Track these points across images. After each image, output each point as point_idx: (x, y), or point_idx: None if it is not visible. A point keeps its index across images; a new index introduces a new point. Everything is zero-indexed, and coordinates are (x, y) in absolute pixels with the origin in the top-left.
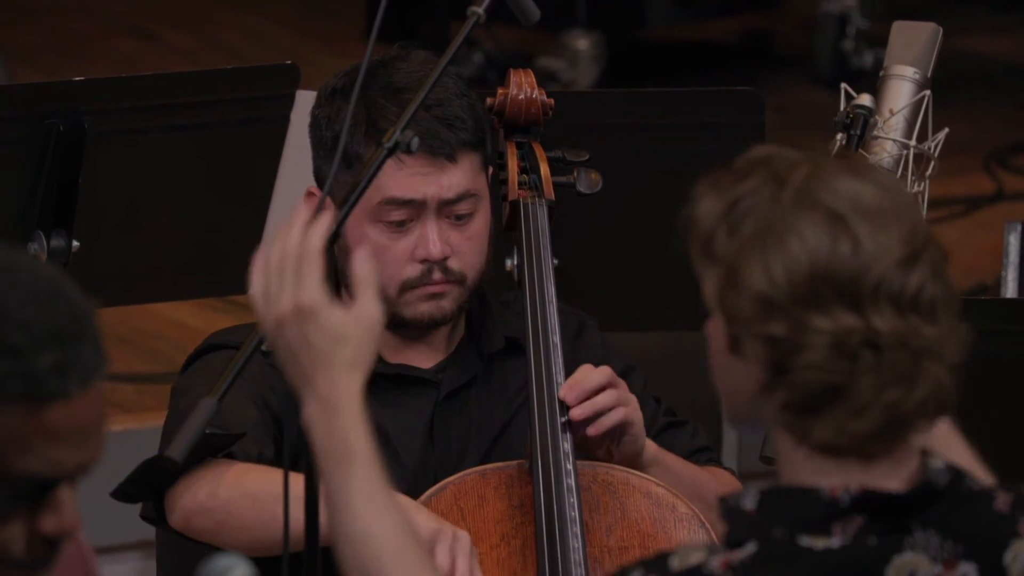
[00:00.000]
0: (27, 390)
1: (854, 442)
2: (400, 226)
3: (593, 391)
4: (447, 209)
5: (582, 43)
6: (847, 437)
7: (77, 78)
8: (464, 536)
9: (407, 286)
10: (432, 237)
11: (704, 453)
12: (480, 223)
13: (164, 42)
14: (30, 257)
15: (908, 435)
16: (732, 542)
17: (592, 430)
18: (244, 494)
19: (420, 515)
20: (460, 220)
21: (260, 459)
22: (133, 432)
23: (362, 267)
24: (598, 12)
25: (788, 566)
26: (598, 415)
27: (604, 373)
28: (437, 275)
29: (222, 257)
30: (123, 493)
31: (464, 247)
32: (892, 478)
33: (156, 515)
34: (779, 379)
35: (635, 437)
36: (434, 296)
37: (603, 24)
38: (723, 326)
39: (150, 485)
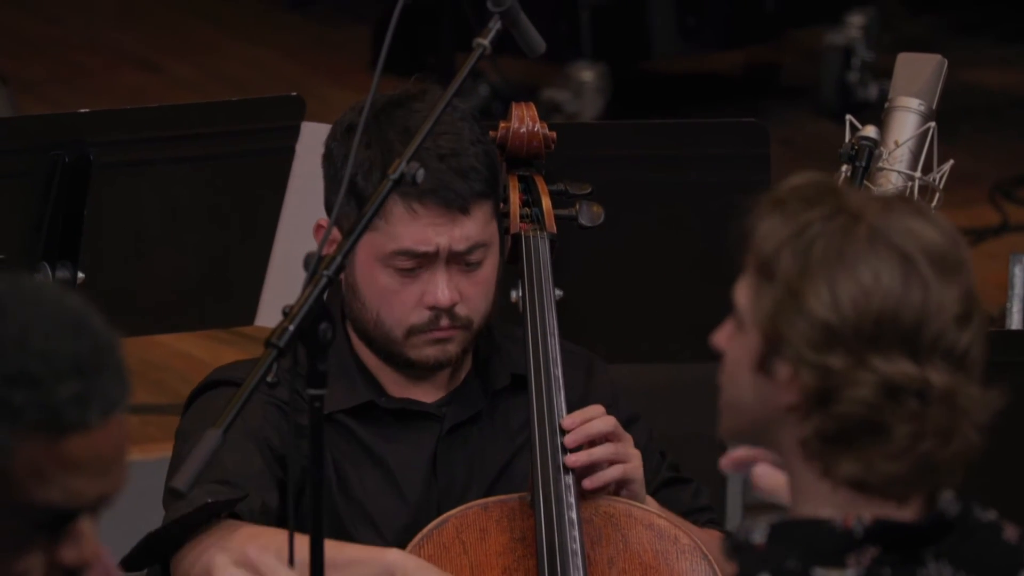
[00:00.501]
0: (46, 420)
1: (882, 482)
2: (410, 272)
3: (593, 437)
4: (457, 258)
5: (587, 75)
6: (877, 476)
7: (83, 110)
8: None
9: (414, 331)
10: (441, 286)
11: (704, 513)
12: (489, 269)
13: (169, 74)
14: (57, 287)
15: (932, 485)
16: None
17: (587, 483)
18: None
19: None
20: (470, 267)
21: (264, 509)
22: (138, 463)
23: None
24: (603, 44)
25: None
26: (594, 466)
27: (608, 423)
28: (444, 321)
29: (228, 288)
30: (129, 564)
31: (471, 293)
32: (903, 508)
33: None
34: (818, 408)
35: (633, 495)
36: (440, 341)
37: (608, 56)
38: (758, 343)
39: (155, 554)
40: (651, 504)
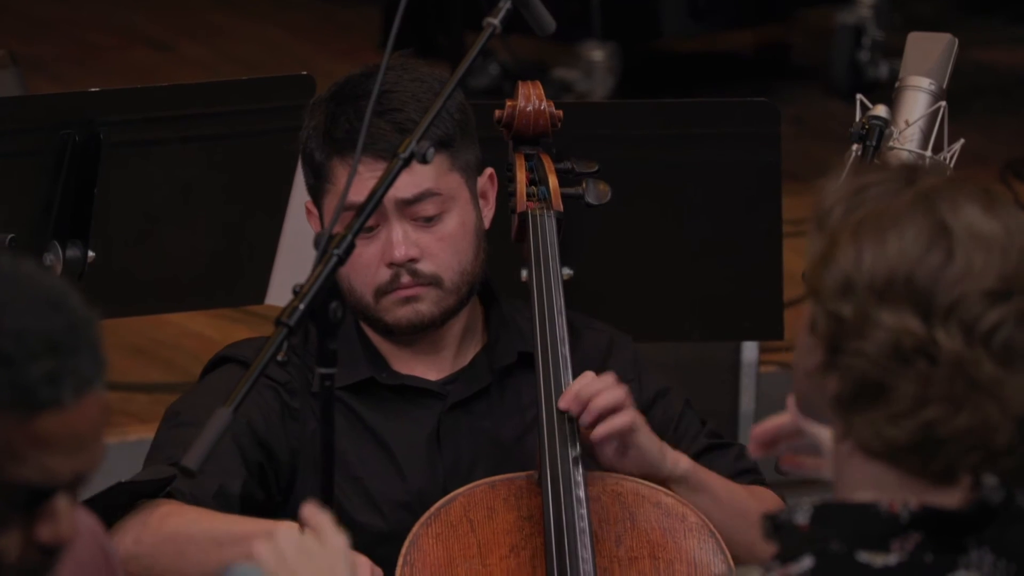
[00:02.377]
0: (18, 399)
1: (886, 448)
2: (368, 232)
3: (590, 396)
4: (410, 211)
5: (597, 54)
6: (881, 442)
7: (93, 89)
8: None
9: (380, 291)
10: (396, 239)
11: (748, 475)
12: (454, 224)
13: (180, 53)
14: (36, 266)
15: (946, 465)
16: (786, 557)
17: (593, 435)
18: (164, 539)
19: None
20: (429, 222)
21: (221, 492)
22: (149, 442)
23: (311, 512)
24: (613, 23)
25: None
26: (601, 418)
27: (604, 379)
28: (406, 278)
29: (238, 268)
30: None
31: (434, 248)
32: (947, 495)
33: None
34: (833, 360)
35: (640, 446)
36: (408, 300)
37: (618, 35)
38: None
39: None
40: (681, 460)
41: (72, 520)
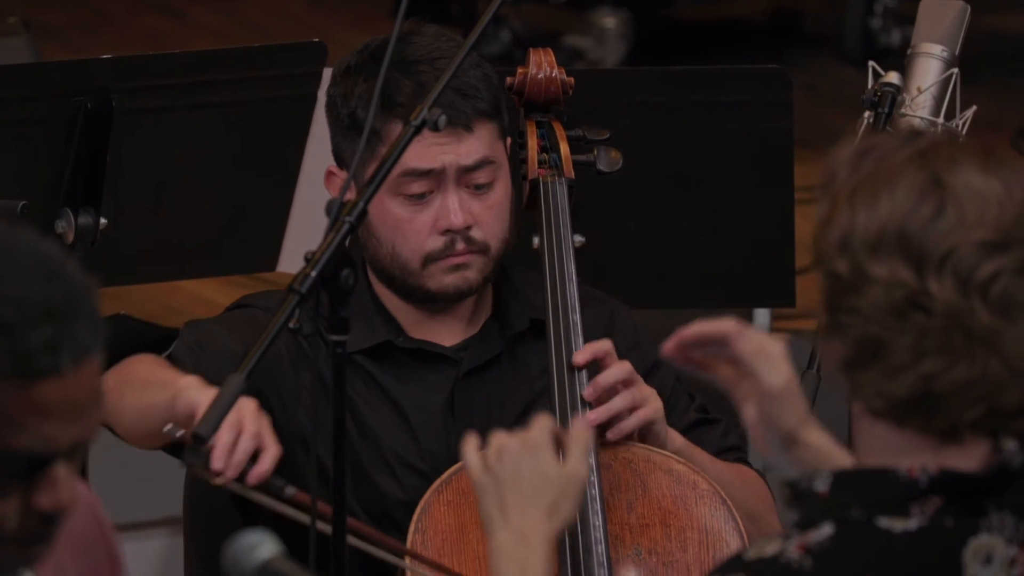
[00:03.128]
0: (17, 366)
1: (888, 406)
2: (420, 198)
3: (609, 388)
4: (466, 178)
5: (609, 21)
6: (882, 399)
7: (105, 56)
8: (249, 402)
9: (430, 258)
10: (453, 207)
11: (734, 452)
12: (500, 192)
13: (192, 20)
14: (33, 234)
15: (949, 421)
16: (806, 524)
17: (611, 435)
18: (120, 380)
19: (207, 391)
20: (480, 190)
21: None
22: None
23: (580, 430)
24: None
25: (867, 548)
26: (615, 418)
27: (623, 369)
28: (460, 245)
29: (250, 235)
30: None
31: (485, 216)
32: (965, 459)
33: None
34: (833, 320)
35: (656, 435)
36: (458, 267)
37: (630, 2)
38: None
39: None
40: (677, 438)
41: (72, 488)
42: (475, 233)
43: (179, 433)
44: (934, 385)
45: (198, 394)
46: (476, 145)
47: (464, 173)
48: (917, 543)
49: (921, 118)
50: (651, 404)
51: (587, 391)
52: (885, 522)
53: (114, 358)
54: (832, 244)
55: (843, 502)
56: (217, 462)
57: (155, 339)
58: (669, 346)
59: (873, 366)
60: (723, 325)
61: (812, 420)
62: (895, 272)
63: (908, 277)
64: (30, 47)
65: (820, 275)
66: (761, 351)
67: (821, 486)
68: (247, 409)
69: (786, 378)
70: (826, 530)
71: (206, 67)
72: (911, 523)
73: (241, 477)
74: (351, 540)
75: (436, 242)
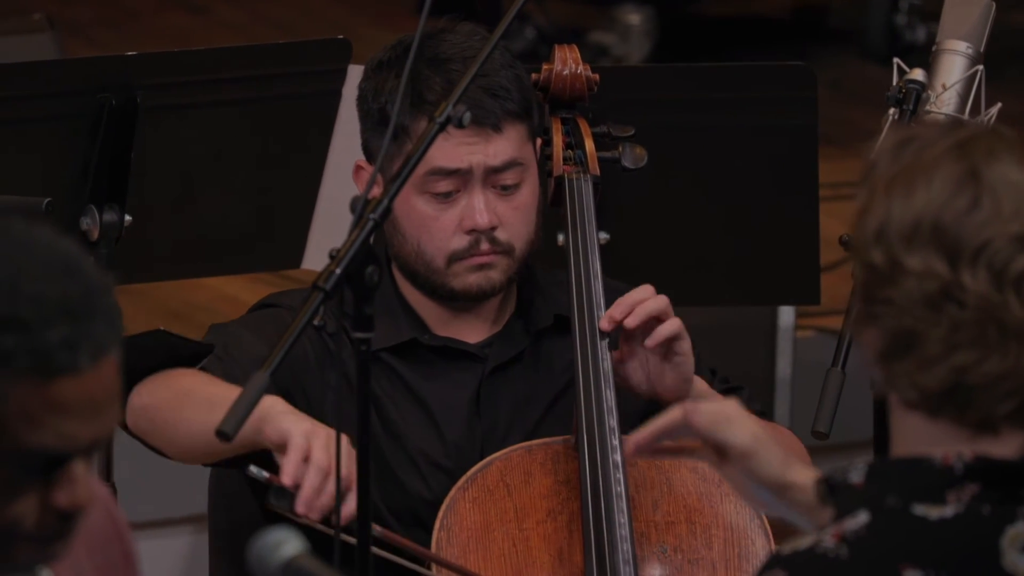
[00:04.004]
0: (36, 364)
1: (921, 397)
2: (446, 197)
3: (639, 301)
4: (493, 179)
5: (634, 18)
6: (915, 391)
7: (129, 53)
8: (342, 437)
9: (455, 257)
10: (479, 207)
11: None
12: (527, 193)
13: (216, 16)
14: (50, 232)
15: (983, 414)
16: (841, 514)
17: (649, 341)
18: (172, 395)
19: (295, 417)
20: (507, 190)
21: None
22: None
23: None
24: None
25: (903, 535)
26: (649, 324)
27: (646, 289)
28: (484, 245)
29: (274, 232)
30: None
31: (511, 218)
32: (1001, 448)
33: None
34: (868, 311)
35: (685, 356)
36: (482, 267)
37: None
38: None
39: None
40: (699, 384)
41: (89, 486)
42: (500, 234)
43: (265, 476)
44: (967, 378)
45: (290, 422)
46: (504, 146)
47: (491, 174)
48: (954, 530)
49: (946, 115)
50: (680, 322)
51: (609, 313)
52: (921, 509)
53: (150, 373)
54: (869, 234)
55: (878, 491)
56: (302, 507)
57: (193, 353)
58: (630, 452)
59: (906, 357)
60: (671, 414)
61: (793, 460)
62: (929, 264)
63: (942, 269)
64: (55, 44)
65: (856, 265)
66: (717, 419)
67: (856, 477)
68: (333, 448)
69: (751, 433)
70: (862, 518)
71: (231, 64)
72: (947, 510)
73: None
74: (375, 551)
75: (461, 241)
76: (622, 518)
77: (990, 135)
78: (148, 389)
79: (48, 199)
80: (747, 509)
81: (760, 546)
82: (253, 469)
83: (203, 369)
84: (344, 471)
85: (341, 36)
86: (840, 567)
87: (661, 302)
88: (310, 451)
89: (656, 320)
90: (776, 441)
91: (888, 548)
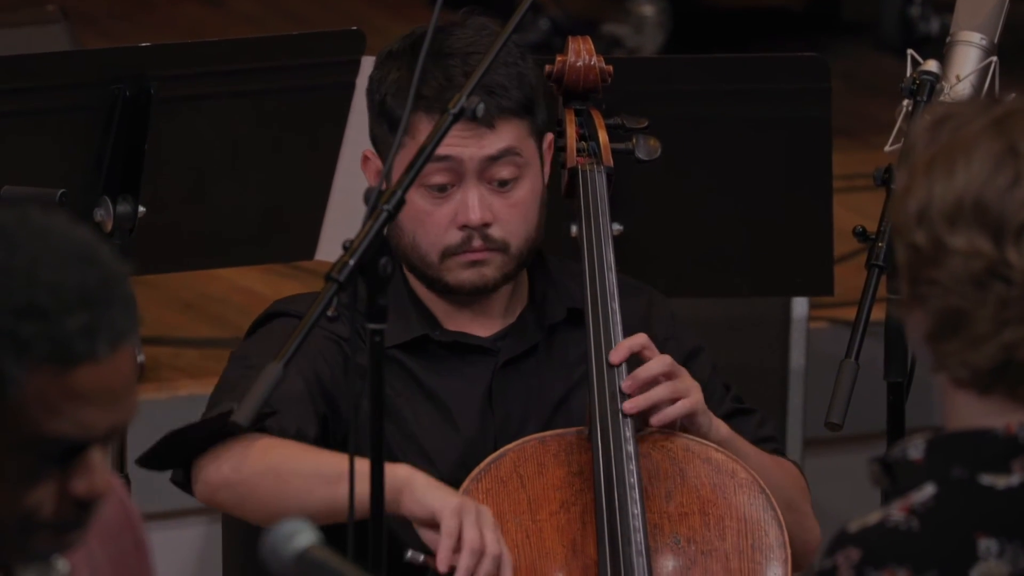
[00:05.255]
0: (55, 352)
1: (972, 376)
2: (441, 191)
3: (650, 381)
4: (488, 173)
5: (648, 9)
6: (966, 369)
7: (143, 44)
8: (486, 510)
9: (448, 252)
10: (472, 203)
11: (770, 443)
12: (526, 191)
13: (230, 8)
14: (66, 220)
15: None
16: (904, 489)
17: (655, 420)
18: (267, 469)
19: (439, 492)
20: (503, 187)
21: (298, 436)
22: (199, 397)
23: None
24: None
25: (972, 505)
26: (657, 405)
27: (663, 363)
28: (477, 242)
29: (288, 223)
30: (147, 461)
31: (507, 214)
32: None
33: (184, 481)
34: (914, 292)
35: (699, 425)
36: (475, 263)
37: None
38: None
39: (175, 455)
40: (721, 427)
41: (107, 474)
42: (494, 231)
43: (421, 559)
44: (1017, 354)
45: (437, 497)
46: (499, 135)
47: (487, 167)
48: (1021, 498)
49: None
50: (693, 395)
51: (626, 383)
52: (988, 479)
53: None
54: (910, 216)
55: (942, 463)
56: None
57: (220, 421)
58: None
59: (955, 337)
60: None
61: None
62: (973, 243)
63: (986, 247)
64: (68, 34)
65: (899, 247)
66: None
67: (915, 453)
68: (487, 524)
69: None
70: (928, 490)
71: (244, 55)
72: (1013, 479)
73: None
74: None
75: (454, 236)
76: (635, 509)
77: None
78: (230, 464)
79: (62, 190)
80: (761, 500)
81: (774, 537)
82: (410, 554)
83: (268, 430)
84: (495, 551)
85: (355, 27)
86: (914, 539)
87: (671, 389)
88: (462, 531)
89: (669, 401)
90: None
91: (959, 518)
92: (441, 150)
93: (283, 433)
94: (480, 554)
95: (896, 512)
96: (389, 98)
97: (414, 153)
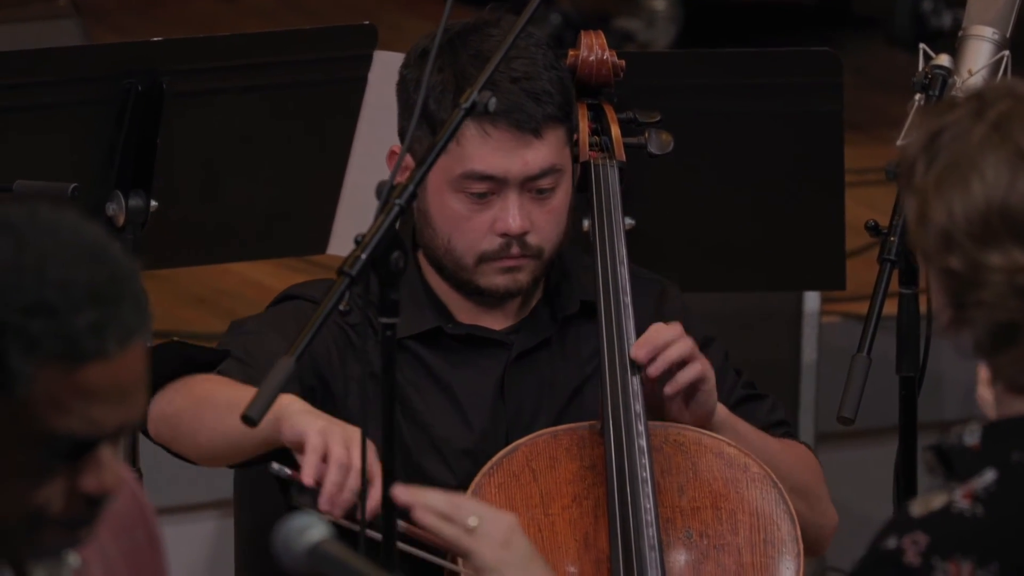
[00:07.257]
0: (64, 349)
1: None
2: (481, 197)
3: (664, 346)
4: (530, 184)
5: (660, 3)
6: None
7: (155, 38)
8: (354, 430)
9: (484, 258)
10: (513, 212)
11: (781, 427)
12: (561, 196)
13: (242, 2)
14: (76, 217)
15: None
16: (963, 476)
17: (669, 388)
18: (192, 403)
19: (309, 416)
20: (542, 194)
21: None
22: None
23: None
24: None
25: None
26: (671, 370)
27: (674, 329)
28: (515, 249)
29: (299, 217)
30: None
31: (543, 221)
32: None
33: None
34: (960, 315)
35: (707, 395)
36: (511, 269)
37: None
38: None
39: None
40: (721, 411)
41: (116, 471)
42: (531, 239)
43: (287, 473)
44: None
45: (306, 421)
46: (544, 153)
47: (528, 181)
48: None
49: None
50: (705, 361)
51: (635, 349)
52: None
53: (167, 382)
54: (936, 242)
55: (1000, 449)
56: (325, 504)
57: (210, 360)
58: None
59: (1010, 349)
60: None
61: None
62: (1011, 257)
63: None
64: (80, 29)
65: (932, 273)
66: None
67: (971, 440)
68: (354, 442)
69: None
70: (989, 476)
71: (257, 50)
72: None
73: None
74: (400, 545)
75: (492, 243)
76: (647, 503)
77: (1015, 103)
78: (167, 397)
79: (74, 185)
80: (773, 494)
81: (786, 531)
82: (275, 466)
83: (222, 373)
84: (361, 465)
85: (367, 22)
86: (980, 525)
87: (684, 347)
88: (328, 448)
89: (679, 364)
90: None
91: (1022, 502)
92: (487, 169)
93: (250, 382)
94: (347, 469)
95: (960, 499)
96: (431, 102)
97: (455, 158)
